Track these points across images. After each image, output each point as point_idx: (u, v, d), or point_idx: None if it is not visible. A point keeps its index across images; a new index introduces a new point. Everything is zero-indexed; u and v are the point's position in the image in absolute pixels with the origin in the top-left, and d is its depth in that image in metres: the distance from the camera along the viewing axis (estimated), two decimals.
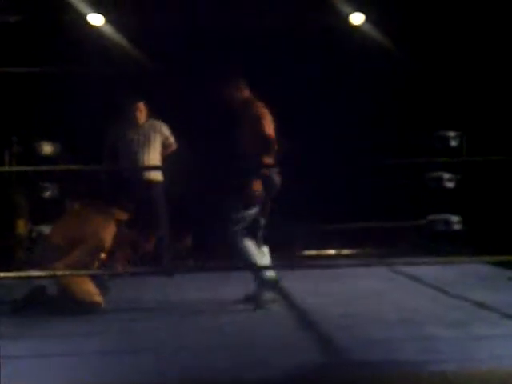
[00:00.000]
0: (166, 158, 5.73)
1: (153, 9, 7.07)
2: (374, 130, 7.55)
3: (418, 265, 5.37)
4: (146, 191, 5.48)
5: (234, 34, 7.37)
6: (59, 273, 3.94)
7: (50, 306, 4.04)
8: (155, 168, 5.88)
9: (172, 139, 5.78)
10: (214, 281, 5.00)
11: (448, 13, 7.26)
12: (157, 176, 5.63)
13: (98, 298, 4.03)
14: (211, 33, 7.35)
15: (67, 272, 4.32)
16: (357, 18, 7.78)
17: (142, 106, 5.72)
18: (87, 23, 7.36)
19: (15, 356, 2.93)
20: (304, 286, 4.84)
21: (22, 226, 6.44)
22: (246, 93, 4.41)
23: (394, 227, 6.85)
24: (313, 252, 7.12)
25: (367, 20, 7.73)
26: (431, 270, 5.24)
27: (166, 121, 6.08)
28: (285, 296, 4.50)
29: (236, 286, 4.62)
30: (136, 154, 5.58)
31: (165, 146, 5.74)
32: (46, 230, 5.78)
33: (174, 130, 6.21)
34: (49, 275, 3.82)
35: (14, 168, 6.48)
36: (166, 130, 5.78)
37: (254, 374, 2.59)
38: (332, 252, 7.21)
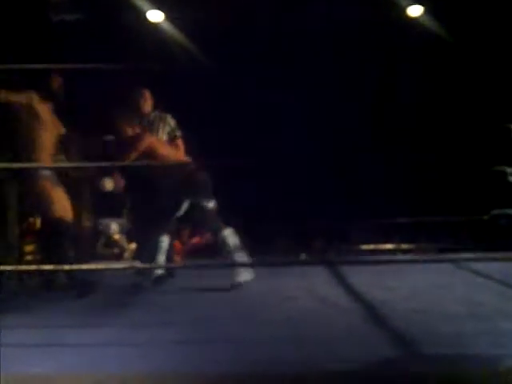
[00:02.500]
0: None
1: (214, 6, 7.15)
2: (440, 127, 7.46)
3: (481, 260, 5.27)
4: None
5: (292, 34, 7.39)
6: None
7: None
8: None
9: (179, 133, 5.48)
10: (273, 273, 5.03)
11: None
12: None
13: None
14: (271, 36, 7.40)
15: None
16: (415, 11, 7.71)
17: (147, 94, 5.41)
18: (147, 20, 7.50)
19: (90, 344, 3.02)
20: (366, 279, 4.83)
21: (85, 220, 6.60)
22: None
23: (457, 222, 6.77)
24: (371, 246, 7.11)
25: (426, 12, 7.65)
26: (494, 265, 5.14)
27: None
28: (348, 289, 4.51)
29: (296, 277, 4.65)
30: None
31: (170, 138, 5.44)
32: (111, 223, 5.95)
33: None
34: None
35: (76, 164, 6.58)
36: (172, 121, 5.50)
37: (324, 366, 2.60)
38: (390, 246, 7.18)
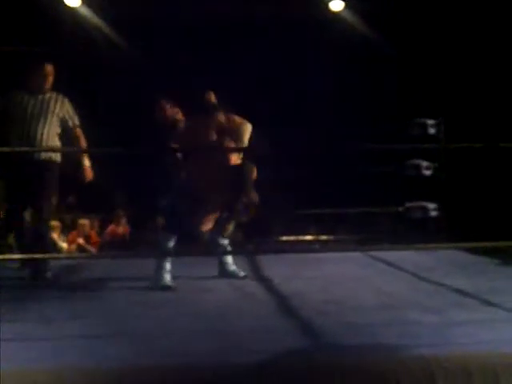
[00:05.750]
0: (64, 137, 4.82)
1: None
2: (353, 117, 7.59)
3: (396, 250, 5.38)
4: (37, 170, 4.61)
5: (209, 23, 7.34)
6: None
7: None
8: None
9: (76, 120, 4.83)
10: (189, 264, 4.97)
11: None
12: (52, 155, 4.70)
13: None
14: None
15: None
16: (336, 5, 7.81)
17: (50, 68, 4.75)
18: (64, 4, 7.29)
19: None
20: (282, 270, 4.85)
21: None
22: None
23: (372, 214, 6.89)
24: (290, 237, 7.15)
25: (346, 7, 7.75)
26: (409, 257, 5.28)
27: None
28: (264, 280, 4.51)
29: (211, 269, 4.62)
30: (31, 124, 4.65)
31: (66, 125, 4.79)
32: None
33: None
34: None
35: None
36: (70, 106, 4.83)
37: (234, 359, 2.58)
38: (309, 237, 7.25)
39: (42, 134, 4.62)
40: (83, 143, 4.82)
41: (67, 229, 7.83)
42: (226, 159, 4.36)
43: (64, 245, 7.44)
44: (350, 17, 7.80)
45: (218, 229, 4.52)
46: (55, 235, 7.68)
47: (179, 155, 4.51)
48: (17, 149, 4.53)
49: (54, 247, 6.99)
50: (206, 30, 7.34)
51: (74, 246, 7.48)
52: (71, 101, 4.80)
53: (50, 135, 4.67)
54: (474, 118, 7.22)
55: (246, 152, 4.50)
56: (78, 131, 4.81)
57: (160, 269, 4.24)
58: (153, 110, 4.51)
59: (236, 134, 4.37)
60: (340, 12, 7.79)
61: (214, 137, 4.34)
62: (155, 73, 7.23)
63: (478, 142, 4.49)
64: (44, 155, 4.63)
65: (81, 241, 7.56)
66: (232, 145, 4.39)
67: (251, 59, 7.32)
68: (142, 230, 7.80)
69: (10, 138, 4.61)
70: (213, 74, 7.06)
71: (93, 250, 7.49)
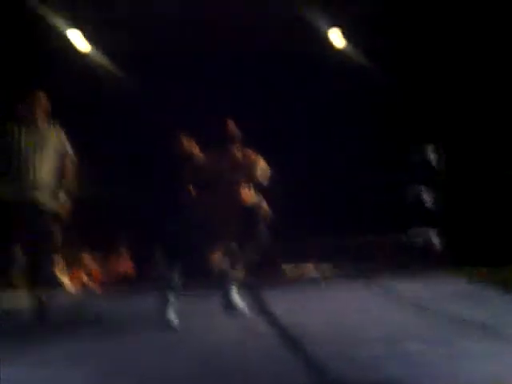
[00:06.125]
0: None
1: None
2: (352, 145, 7.59)
3: (398, 280, 5.37)
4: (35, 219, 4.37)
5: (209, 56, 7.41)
6: None
7: None
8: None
9: (69, 148, 4.56)
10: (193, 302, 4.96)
11: (422, 24, 7.38)
12: (46, 199, 4.44)
13: None
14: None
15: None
16: (334, 36, 7.87)
17: (41, 98, 4.47)
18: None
19: None
20: (285, 303, 4.83)
21: None
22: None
23: (374, 242, 6.87)
24: (293, 269, 7.12)
25: (344, 37, 7.82)
26: (411, 286, 5.25)
27: None
28: (267, 313, 4.48)
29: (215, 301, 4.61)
30: (27, 161, 4.36)
31: (59, 153, 4.52)
32: None
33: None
34: None
35: None
36: (63, 135, 4.57)
37: None
38: (311, 267, 7.21)
39: (38, 174, 4.36)
40: (69, 174, 4.55)
41: (70, 266, 7.79)
42: (239, 196, 4.37)
43: (66, 281, 7.40)
44: (349, 50, 7.87)
45: (228, 263, 4.50)
46: (57, 271, 7.66)
47: (193, 190, 4.49)
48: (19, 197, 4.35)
49: (57, 283, 6.97)
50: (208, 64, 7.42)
51: (76, 283, 7.44)
52: (67, 133, 4.61)
53: (50, 173, 4.42)
54: (473, 142, 7.23)
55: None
56: (68, 161, 4.54)
57: (164, 304, 4.21)
58: (170, 144, 4.52)
59: (250, 171, 4.40)
60: (338, 45, 7.85)
61: (229, 174, 4.35)
62: (162, 107, 7.29)
63: (477, 166, 4.49)
64: (46, 203, 4.39)
65: (84, 278, 7.53)
66: (245, 181, 4.40)
67: (252, 90, 7.37)
68: (146, 266, 7.76)
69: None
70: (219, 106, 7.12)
71: (96, 286, 7.45)
